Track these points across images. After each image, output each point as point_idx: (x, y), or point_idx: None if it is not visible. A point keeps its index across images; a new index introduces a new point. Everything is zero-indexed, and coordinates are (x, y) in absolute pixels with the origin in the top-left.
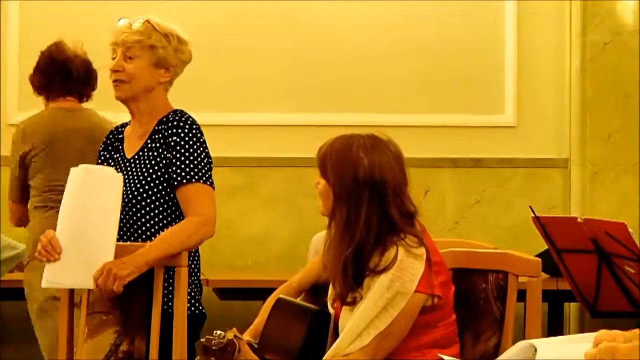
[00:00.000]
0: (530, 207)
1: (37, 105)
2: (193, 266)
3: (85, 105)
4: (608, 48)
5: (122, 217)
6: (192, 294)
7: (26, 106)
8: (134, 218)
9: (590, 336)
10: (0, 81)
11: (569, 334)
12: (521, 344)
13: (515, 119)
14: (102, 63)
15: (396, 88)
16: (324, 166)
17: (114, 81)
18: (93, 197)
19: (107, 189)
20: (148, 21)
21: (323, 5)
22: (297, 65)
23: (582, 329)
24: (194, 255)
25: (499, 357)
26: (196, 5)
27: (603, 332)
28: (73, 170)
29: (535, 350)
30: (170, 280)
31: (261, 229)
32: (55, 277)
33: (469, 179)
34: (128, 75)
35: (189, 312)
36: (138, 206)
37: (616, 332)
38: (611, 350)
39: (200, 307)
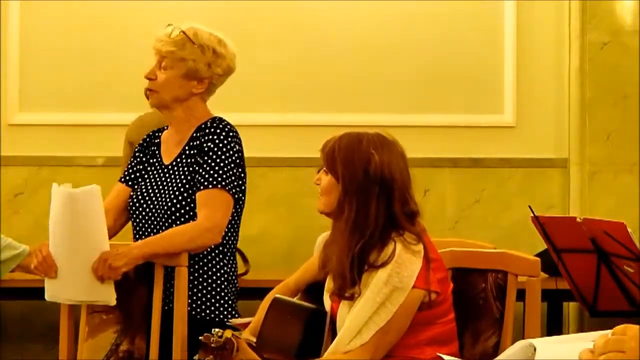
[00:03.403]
0: (530, 207)
1: (37, 105)
2: (232, 272)
3: None
4: (607, 48)
5: (160, 222)
6: (229, 301)
7: (26, 106)
8: (172, 223)
9: (589, 335)
10: (0, 81)
11: (568, 333)
12: (520, 343)
13: (514, 119)
14: (101, 64)
15: (396, 88)
16: (331, 161)
17: (147, 89)
18: (78, 219)
19: (89, 208)
20: (184, 32)
21: (323, 6)
22: (297, 66)
23: (581, 329)
24: (232, 262)
25: (498, 357)
26: (196, 6)
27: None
28: (55, 190)
29: (535, 349)
30: (173, 281)
31: (261, 229)
32: (58, 292)
33: (468, 178)
34: (158, 85)
35: (225, 319)
36: (176, 212)
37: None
38: (619, 341)
39: (237, 315)
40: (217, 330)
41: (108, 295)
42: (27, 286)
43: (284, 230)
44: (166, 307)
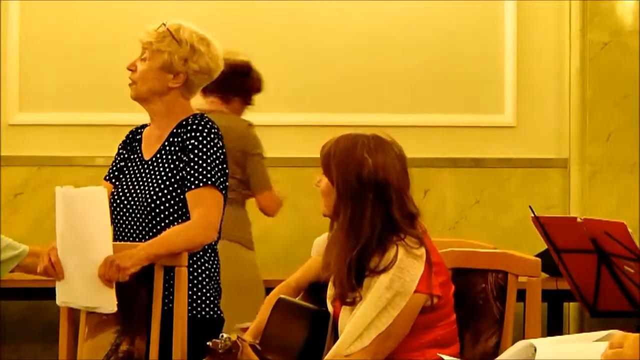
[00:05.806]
0: (530, 207)
1: (37, 105)
2: (213, 269)
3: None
4: (607, 48)
5: (140, 218)
6: (212, 298)
7: (26, 106)
8: (152, 219)
9: (589, 336)
10: (0, 81)
11: (569, 333)
12: (521, 343)
13: (514, 119)
14: (101, 64)
15: (396, 88)
16: (327, 164)
17: (130, 79)
18: (81, 220)
19: (92, 210)
20: (165, 24)
21: (323, 6)
22: (297, 65)
23: (581, 329)
24: (213, 260)
25: (499, 357)
26: (195, 6)
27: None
28: (58, 191)
29: (535, 350)
30: (172, 281)
31: (261, 229)
32: (68, 297)
33: (468, 179)
34: (136, 76)
35: (207, 315)
36: (155, 208)
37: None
38: (618, 354)
39: (219, 312)
40: (224, 335)
41: (109, 302)
42: (27, 286)
43: (284, 230)
44: (165, 307)
